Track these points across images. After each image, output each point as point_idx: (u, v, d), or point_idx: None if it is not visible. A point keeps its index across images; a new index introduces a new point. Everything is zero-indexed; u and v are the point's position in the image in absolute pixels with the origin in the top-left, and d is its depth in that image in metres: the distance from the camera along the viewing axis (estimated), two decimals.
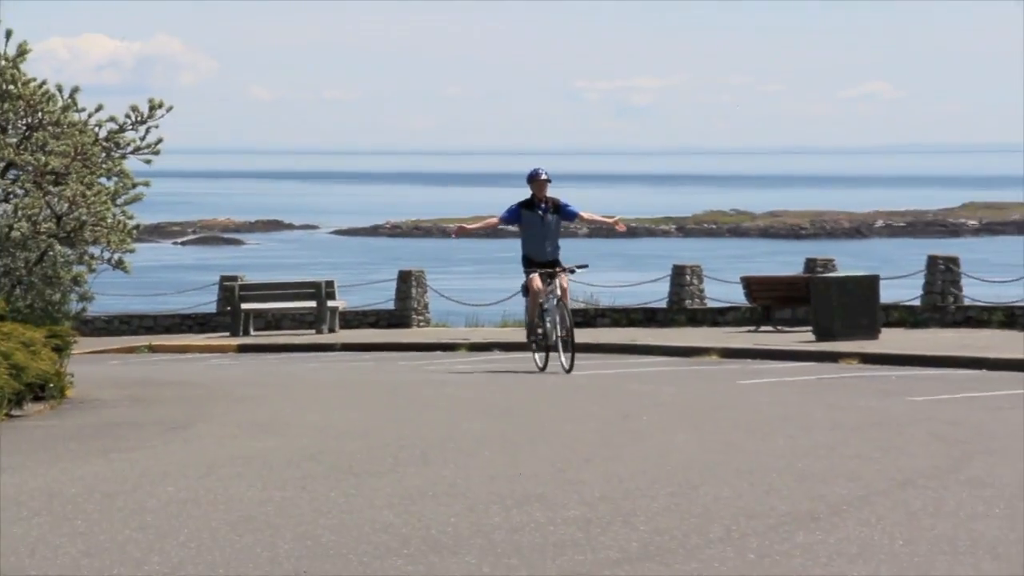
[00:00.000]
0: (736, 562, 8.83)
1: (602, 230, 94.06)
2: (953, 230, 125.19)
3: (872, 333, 28.90)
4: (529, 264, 23.46)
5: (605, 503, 10.87)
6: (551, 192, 23.80)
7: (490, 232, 27.73)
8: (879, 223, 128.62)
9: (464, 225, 26.14)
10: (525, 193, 23.75)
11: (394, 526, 10.01)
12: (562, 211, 23.64)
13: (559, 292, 23.16)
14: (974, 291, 33.78)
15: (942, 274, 33.35)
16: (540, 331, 23.47)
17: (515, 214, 23.62)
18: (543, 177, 23.49)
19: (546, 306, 23.23)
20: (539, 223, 23.45)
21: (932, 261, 33.87)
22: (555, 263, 23.45)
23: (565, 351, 23.17)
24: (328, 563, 8.89)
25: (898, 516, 10.28)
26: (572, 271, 23.83)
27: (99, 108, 24.35)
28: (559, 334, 23.16)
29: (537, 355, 23.73)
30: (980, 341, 27.72)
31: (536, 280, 23.18)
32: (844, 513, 10.43)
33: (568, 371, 22.81)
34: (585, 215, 24.21)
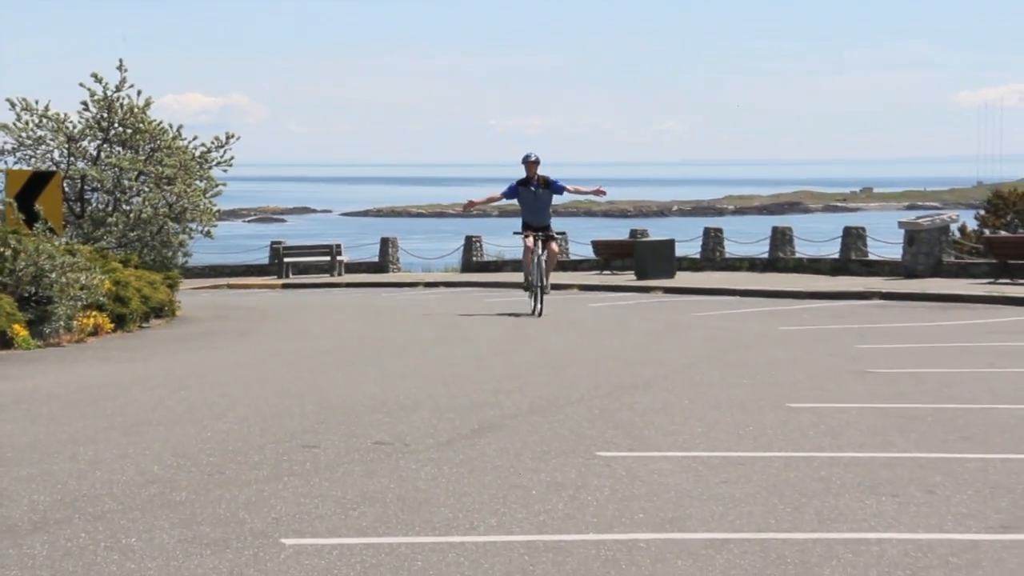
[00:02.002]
0: (587, 415, 8.85)
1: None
2: (719, 212, 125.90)
3: (671, 275, 28.98)
4: (525, 228, 19.15)
5: (507, 379, 10.88)
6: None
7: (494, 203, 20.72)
8: (675, 208, 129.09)
9: (473, 199, 21.09)
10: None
11: (377, 395, 9.98)
12: (552, 186, 19.21)
13: (541, 252, 18.94)
14: (731, 248, 33.97)
15: (712, 239, 33.48)
16: (530, 279, 19.02)
17: (513, 190, 19.30)
18: (532, 159, 19.25)
19: (534, 261, 18.85)
20: (532, 197, 19.14)
21: (706, 231, 33.98)
22: (546, 228, 19.16)
23: (539, 297, 18.75)
24: (336, 417, 8.86)
25: (685, 386, 10.34)
26: (561, 234, 19.98)
27: (195, 138, 24.83)
28: (538, 284, 18.72)
29: (530, 299, 19.21)
30: (735, 279, 27.86)
31: (529, 240, 18.97)
32: (653, 384, 10.48)
33: (540, 314, 18.54)
34: (571, 188, 19.58)
